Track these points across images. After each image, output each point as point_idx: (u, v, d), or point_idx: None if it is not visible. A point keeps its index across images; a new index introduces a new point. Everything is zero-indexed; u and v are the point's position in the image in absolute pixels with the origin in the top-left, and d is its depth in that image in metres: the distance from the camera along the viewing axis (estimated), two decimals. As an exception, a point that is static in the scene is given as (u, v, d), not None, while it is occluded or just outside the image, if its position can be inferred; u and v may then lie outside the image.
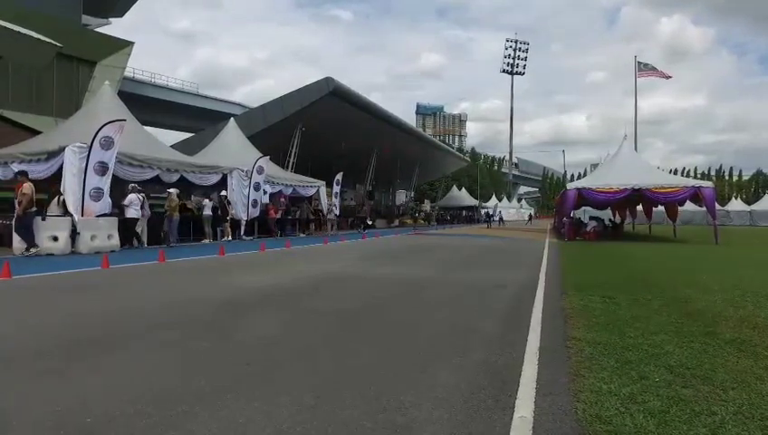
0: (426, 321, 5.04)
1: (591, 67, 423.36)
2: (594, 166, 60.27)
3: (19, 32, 16.84)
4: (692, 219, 38.58)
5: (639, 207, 28.40)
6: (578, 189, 20.54)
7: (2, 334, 4.27)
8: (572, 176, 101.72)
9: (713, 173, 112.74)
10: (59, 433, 2.33)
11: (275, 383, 3.05)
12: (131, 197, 13.56)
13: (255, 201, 18.56)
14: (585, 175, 60.90)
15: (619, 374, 3.17)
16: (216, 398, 2.78)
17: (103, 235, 12.56)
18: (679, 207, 23.46)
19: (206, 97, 54.79)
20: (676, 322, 4.74)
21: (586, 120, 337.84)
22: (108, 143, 12.55)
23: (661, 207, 25.42)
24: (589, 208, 26.73)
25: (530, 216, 60.66)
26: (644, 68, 40.00)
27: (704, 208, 24.43)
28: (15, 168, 12.82)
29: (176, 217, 15.21)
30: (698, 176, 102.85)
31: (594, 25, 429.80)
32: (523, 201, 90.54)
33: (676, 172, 68.26)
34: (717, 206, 20.69)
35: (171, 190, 15.32)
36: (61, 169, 12.31)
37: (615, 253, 14.04)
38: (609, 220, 29.04)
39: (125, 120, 13.30)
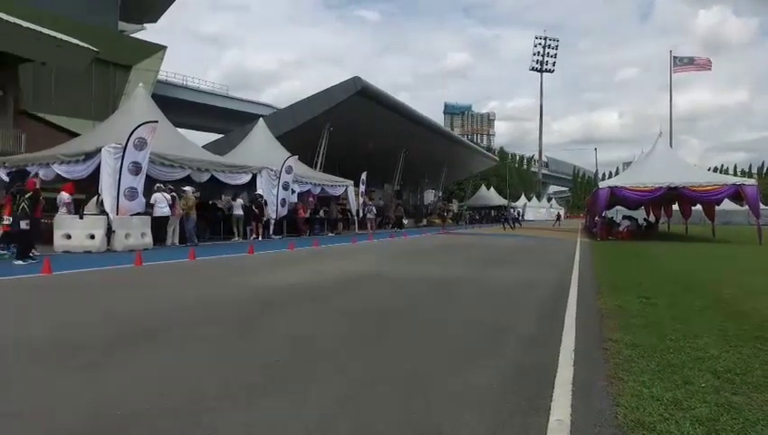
0: (457, 320, 4.94)
1: (623, 63, 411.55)
2: (627, 164, 58.65)
3: (61, 38, 17.50)
4: (731, 219, 37.10)
5: (675, 207, 27.47)
6: (610, 188, 19.98)
7: (40, 328, 4.39)
8: (604, 175, 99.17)
9: (754, 171, 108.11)
10: (92, 426, 2.35)
11: (304, 382, 3.02)
12: (156, 196, 13.91)
13: (284, 200, 18.74)
14: (617, 174, 59.16)
15: (661, 378, 3.02)
16: (246, 395, 2.77)
17: (137, 233, 12.89)
18: (717, 207, 22.57)
19: (235, 99, 55.78)
20: (721, 325, 4.50)
21: (618, 118, 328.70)
22: (141, 144, 12.87)
23: (698, 207, 24.51)
24: (621, 208, 25.97)
25: (558, 215, 51.04)
26: (680, 63, 38.70)
27: (744, 208, 23.46)
28: (56, 169, 13.28)
29: (192, 216, 14.90)
30: (738, 173, 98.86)
31: (626, 20, 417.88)
32: (553, 201, 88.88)
33: (716, 170, 65.73)
34: (761, 205, 19.77)
35: (187, 189, 15.05)
36: (98, 169, 12.69)
37: (650, 253, 13.58)
38: (644, 220, 28.18)
39: (157, 121, 13.62)
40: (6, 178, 13.35)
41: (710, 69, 39.61)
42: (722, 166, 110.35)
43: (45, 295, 6.34)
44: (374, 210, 24.97)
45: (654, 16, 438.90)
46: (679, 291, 6.53)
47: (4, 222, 10.17)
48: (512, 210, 54.57)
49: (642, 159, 23.83)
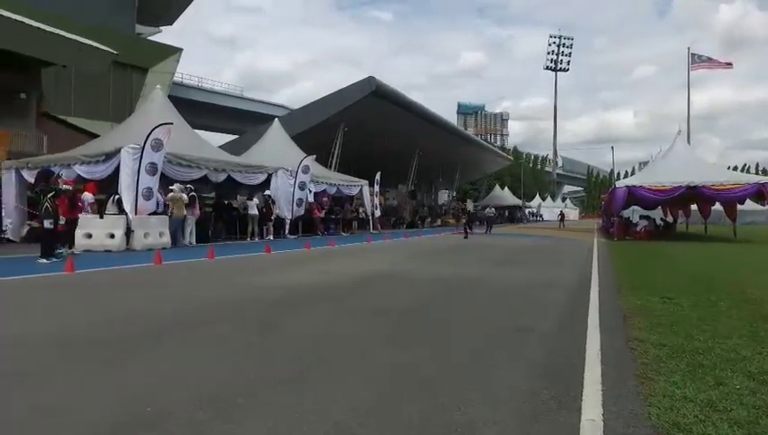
0: (478, 319, 4.91)
1: (639, 62, 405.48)
2: (643, 164, 57.73)
3: (80, 41, 17.81)
4: (754, 219, 36.36)
5: (694, 207, 27.01)
6: (628, 188, 19.73)
7: (66, 326, 4.46)
8: (619, 174, 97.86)
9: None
10: (120, 421, 2.38)
11: (328, 379, 3.03)
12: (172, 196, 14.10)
13: (300, 200, 18.82)
14: (633, 173, 58.37)
15: (693, 379, 2.96)
16: (270, 392, 2.78)
17: (155, 232, 13.05)
18: (739, 206, 22.13)
19: (250, 100, 56.15)
20: (750, 325, 4.41)
21: (633, 117, 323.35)
22: (158, 145, 13.03)
23: (718, 207, 24.06)
24: (637, 208, 25.60)
25: (561, 214, 39.91)
26: (698, 60, 37.97)
27: (767, 207, 22.98)
28: (77, 169, 13.50)
29: (177, 215, 13.88)
30: (759, 172, 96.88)
31: (642, 17, 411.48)
32: (568, 200, 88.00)
33: (735, 169, 64.54)
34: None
35: (173, 187, 14.00)
36: (117, 169, 12.88)
37: (670, 253, 13.37)
38: (661, 219, 27.76)
39: (172, 123, 13.75)
40: (31, 180, 13.63)
41: (731, 65, 38.77)
42: (744, 165, 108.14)
43: (70, 293, 6.44)
44: (378, 211, 25.04)
45: (672, 12, 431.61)
46: (703, 291, 6.42)
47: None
48: (526, 211, 54.09)
49: (660, 157, 23.48)
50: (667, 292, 6.25)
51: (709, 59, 37.79)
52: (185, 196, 14.01)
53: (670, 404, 2.57)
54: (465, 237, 20.02)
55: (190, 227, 14.52)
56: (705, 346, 3.71)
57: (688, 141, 31.26)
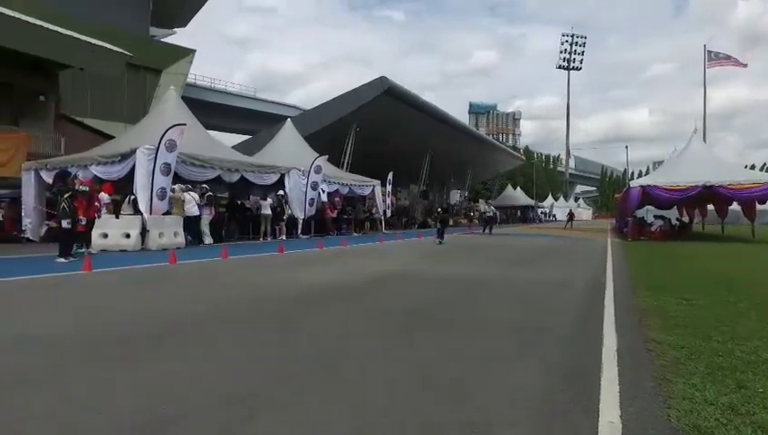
0: (492, 319, 4.89)
1: (654, 59, 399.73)
2: (658, 163, 57.04)
3: (96, 44, 18.09)
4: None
5: (710, 206, 26.60)
6: (642, 187, 19.50)
7: (83, 325, 4.54)
8: (633, 173, 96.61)
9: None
10: (139, 419, 2.41)
11: (346, 379, 3.04)
12: (186, 196, 14.32)
13: (313, 200, 18.90)
14: (647, 173, 57.55)
15: (713, 381, 2.92)
16: (290, 391, 2.80)
17: (170, 232, 13.20)
18: (759, 206, 21.75)
19: (263, 100, 56.57)
20: (771, 327, 4.34)
21: (648, 116, 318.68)
22: (171, 146, 13.18)
23: (735, 207, 23.65)
24: (651, 208, 25.26)
25: (570, 214, 36.72)
26: (715, 57, 37.43)
27: (786, 207, 22.56)
28: (94, 169, 13.71)
29: (177, 214, 13.65)
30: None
31: (657, 14, 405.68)
32: (581, 200, 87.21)
33: (753, 168, 63.38)
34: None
35: (174, 187, 13.84)
36: (132, 170, 13.05)
37: (686, 253, 13.20)
38: (677, 219, 27.38)
39: (185, 124, 13.88)
40: (50, 180, 13.87)
41: (746, 65, 38.20)
42: (763, 164, 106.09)
43: (86, 292, 6.54)
44: (386, 211, 25.14)
45: (688, 9, 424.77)
46: (721, 292, 6.32)
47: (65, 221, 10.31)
48: (538, 211, 53.57)
49: (675, 157, 23.17)
50: (683, 292, 6.18)
51: (727, 56, 37.20)
52: (187, 195, 14.16)
53: (690, 407, 2.54)
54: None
55: (206, 227, 14.72)
56: (725, 348, 3.66)
57: (704, 140, 30.83)
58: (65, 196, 9.91)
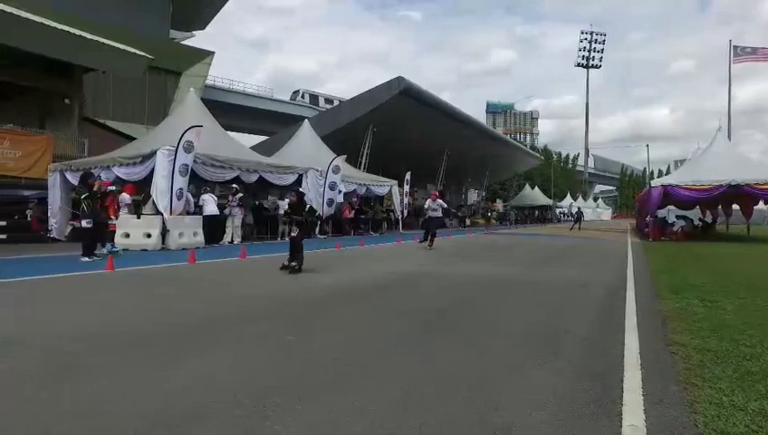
0: (512, 320, 4.85)
1: (676, 56, 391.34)
2: (679, 162, 55.93)
3: (120, 48, 18.44)
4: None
5: (735, 206, 25.96)
6: (664, 187, 19.13)
7: (105, 322, 4.62)
8: (653, 173, 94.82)
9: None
10: (159, 418, 2.45)
11: (365, 379, 3.04)
12: (204, 197, 14.71)
13: (331, 200, 18.96)
14: (668, 172, 56.34)
15: (741, 386, 2.85)
16: (306, 392, 2.81)
17: (189, 232, 13.39)
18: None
19: (280, 101, 56.99)
20: (801, 331, 4.21)
21: (669, 114, 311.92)
22: (189, 147, 13.36)
23: (761, 206, 23.07)
24: (673, 207, 24.75)
25: (578, 214, 31.72)
26: (741, 52, 36.51)
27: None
28: (116, 171, 13.97)
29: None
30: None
31: (681, 10, 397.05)
32: (600, 200, 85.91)
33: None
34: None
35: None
36: (153, 171, 13.26)
37: (709, 254, 12.90)
38: (699, 219, 26.79)
39: (202, 125, 14.01)
40: (74, 181, 14.19)
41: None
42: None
43: (108, 290, 6.67)
44: (404, 211, 25.23)
45: (713, 4, 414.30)
46: (747, 294, 6.17)
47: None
48: (557, 211, 52.79)
49: (698, 155, 22.69)
50: (708, 294, 6.05)
51: (754, 50, 36.22)
52: (207, 196, 14.52)
53: (717, 412, 2.48)
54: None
55: (230, 227, 14.98)
56: (753, 352, 3.57)
57: (729, 138, 30.09)
58: (83, 196, 10.13)
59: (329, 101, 63.18)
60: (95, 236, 10.21)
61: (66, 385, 2.86)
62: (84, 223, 10.02)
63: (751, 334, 4.08)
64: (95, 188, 10.45)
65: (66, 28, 16.72)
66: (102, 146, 17.53)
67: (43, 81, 18.39)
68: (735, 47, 35.42)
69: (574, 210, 36.67)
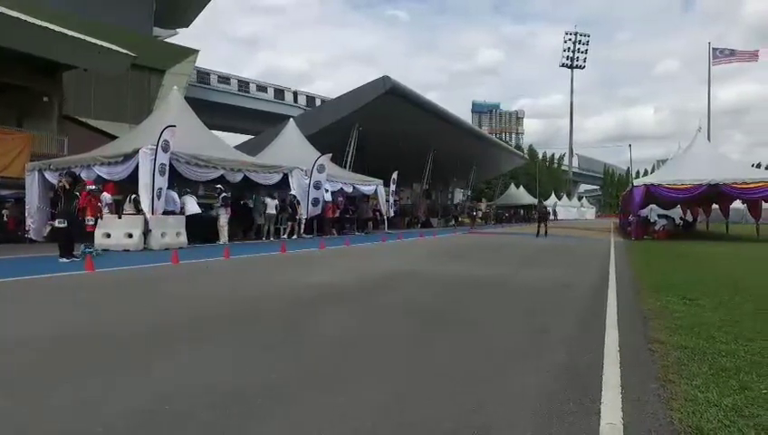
0: (496, 320, 4.87)
1: (662, 56, 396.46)
2: (662, 162, 56.73)
3: (101, 45, 18.14)
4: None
5: (715, 205, 26.47)
6: (646, 186, 19.42)
7: (85, 324, 4.54)
8: (637, 173, 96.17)
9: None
10: (141, 419, 2.41)
11: (350, 379, 3.03)
12: (185, 198, 14.66)
13: (317, 199, 18.88)
14: (652, 171, 57.08)
15: (716, 383, 2.90)
16: (292, 392, 2.79)
17: (172, 232, 13.23)
18: (764, 205, 21.63)
19: (266, 100, 56.52)
20: (776, 328, 4.30)
21: (654, 114, 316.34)
22: (167, 146, 13.21)
23: (738, 205, 23.55)
24: (655, 207, 25.19)
25: (543, 212, 23.67)
26: (720, 54, 37.21)
27: (792, 206, 22.42)
28: (97, 170, 13.74)
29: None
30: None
31: (667, 10, 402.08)
32: (584, 199, 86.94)
33: (760, 166, 62.91)
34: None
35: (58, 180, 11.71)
36: (136, 170, 13.07)
37: (690, 253, 13.13)
38: (681, 218, 27.25)
39: (175, 125, 13.79)
40: (53, 181, 13.92)
41: (756, 60, 37.82)
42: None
43: (88, 292, 6.55)
44: (392, 210, 25.30)
45: (697, 4, 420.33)
46: (726, 292, 6.27)
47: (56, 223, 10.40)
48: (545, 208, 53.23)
49: (680, 155, 23.06)
50: (687, 293, 6.14)
51: (732, 52, 36.94)
52: (187, 197, 14.43)
53: (693, 408, 2.51)
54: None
55: (223, 228, 14.91)
56: (728, 349, 3.63)
57: (708, 138, 30.64)
58: (56, 196, 9.98)
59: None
60: (71, 236, 10.00)
61: (39, 388, 2.79)
62: (57, 223, 9.83)
63: (727, 331, 4.15)
64: (65, 186, 10.17)
65: (45, 24, 16.39)
66: (84, 144, 17.24)
67: (22, 78, 18.01)
68: (714, 49, 36.12)
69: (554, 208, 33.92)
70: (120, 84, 29.08)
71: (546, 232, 20.42)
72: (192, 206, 14.55)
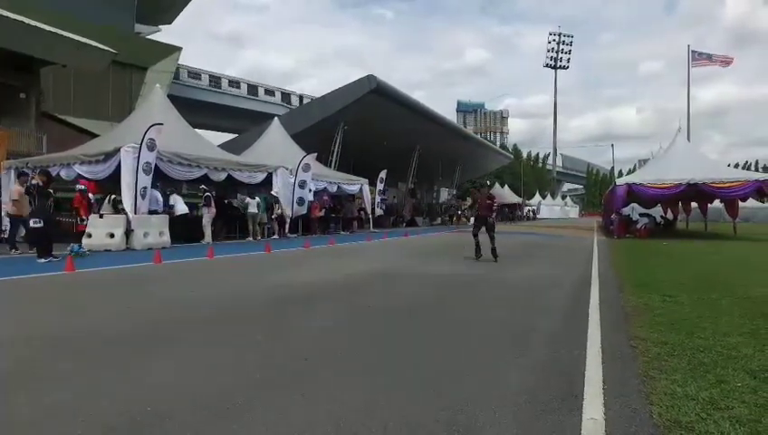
0: (480, 318, 4.90)
1: (645, 57, 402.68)
2: (644, 161, 57.68)
3: (79, 41, 17.80)
4: (753, 216, 36.28)
5: (694, 204, 26.99)
6: (628, 185, 19.72)
7: (67, 325, 4.46)
8: (620, 172, 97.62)
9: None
10: (121, 421, 2.37)
11: (334, 379, 3.02)
12: (173, 197, 14.60)
13: (302, 199, 18.79)
14: (634, 171, 58.07)
15: (694, 377, 2.96)
16: (275, 392, 2.78)
17: (155, 232, 13.04)
18: (740, 204, 22.14)
19: (251, 98, 56.05)
20: (752, 323, 4.40)
21: (636, 114, 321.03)
22: (152, 145, 13.04)
23: (716, 204, 24.06)
24: (637, 205, 25.64)
25: (484, 215, 10.87)
26: (698, 57, 37.97)
27: (767, 205, 22.97)
28: (78, 169, 13.49)
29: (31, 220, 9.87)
30: (760, 169, 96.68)
31: (649, 12, 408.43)
32: (568, 198, 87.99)
33: (737, 166, 64.33)
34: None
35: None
36: (117, 169, 12.87)
37: (670, 250, 13.37)
38: (661, 217, 27.73)
39: (162, 123, 13.65)
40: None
41: (729, 65, 38.79)
42: (746, 162, 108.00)
43: (70, 292, 6.44)
44: (379, 209, 25.33)
45: (679, 7, 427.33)
46: (704, 289, 6.40)
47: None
48: (526, 209, 53.69)
49: (660, 155, 23.46)
50: (668, 290, 6.25)
51: (709, 56, 37.76)
52: (174, 196, 14.34)
53: (672, 402, 2.57)
54: None
55: (207, 227, 14.74)
56: (706, 344, 3.71)
57: (688, 138, 31.23)
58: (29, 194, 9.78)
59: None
60: (48, 236, 9.77)
61: (18, 391, 2.74)
62: (32, 222, 9.61)
63: (704, 327, 4.24)
64: (38, 183, 9.95)
65: (21, 18, 16.02)
66: (63, 142, 16.94)
67: (-3, 74, 17.61)
68: (693, 52, 36.87)
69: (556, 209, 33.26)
70: (101, 82, 28.60)
71: (494, 249, 10.22)
72: (181, 206, 14.44)
